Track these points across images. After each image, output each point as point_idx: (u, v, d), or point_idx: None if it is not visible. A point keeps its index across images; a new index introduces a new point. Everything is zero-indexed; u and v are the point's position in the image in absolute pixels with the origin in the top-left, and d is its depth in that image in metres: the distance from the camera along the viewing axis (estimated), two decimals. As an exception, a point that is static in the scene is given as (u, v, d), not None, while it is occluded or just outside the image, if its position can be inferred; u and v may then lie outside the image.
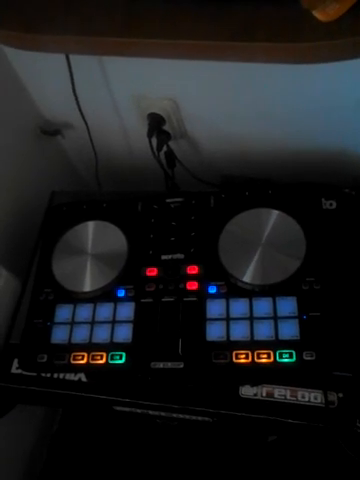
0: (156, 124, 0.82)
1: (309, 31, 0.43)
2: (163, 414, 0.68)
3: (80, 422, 1.08)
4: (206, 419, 0.67)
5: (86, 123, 0.85)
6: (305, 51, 0.44)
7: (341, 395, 0.61)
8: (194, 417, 0.67)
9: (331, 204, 0.72)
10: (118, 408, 0.70)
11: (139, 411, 0.68)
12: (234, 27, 0.44)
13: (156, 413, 0.68)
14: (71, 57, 0.71)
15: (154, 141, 0.83)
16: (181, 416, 0.68)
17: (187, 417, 0.68)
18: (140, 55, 0.51)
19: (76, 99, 0.79)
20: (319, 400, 0.62)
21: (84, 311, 0.68)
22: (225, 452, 0.98)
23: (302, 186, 0.74)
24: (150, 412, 0.68)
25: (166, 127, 0.84)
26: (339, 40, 0.42)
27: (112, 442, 1.04)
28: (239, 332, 0.63)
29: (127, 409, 0.69)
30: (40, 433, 1.05)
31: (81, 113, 0.82)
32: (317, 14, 0.42)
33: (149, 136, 0.82)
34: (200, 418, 0.67)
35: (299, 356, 0.60)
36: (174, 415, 0.68)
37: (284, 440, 0.93)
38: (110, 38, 0.47)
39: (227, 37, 0.43)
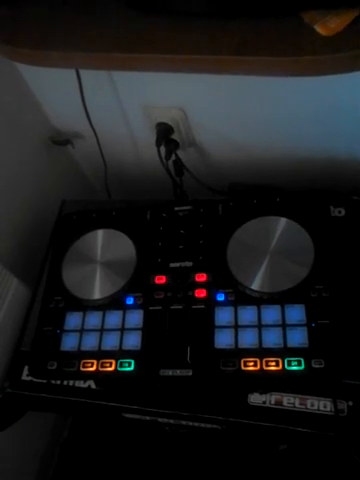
0: (164, 133, 0.83)
1: (310, 45, 0.44)
2: (172, 421, 0.68)
3: (90, 429, 1.09)
4: (215, 427, 0.67)
5: (95, 133, 0.86)
6: (307, 65, 0.45)
7: (351, 403, 0.61)
8: (203, 424, 0.67)
9: (340, 211, 0.72)
10: (127, 415, 0.70)
11: (148, 418, 0.69)
12: (237, 42, 0.45)
13: (165, 420, 0.68)
14: (81, 69, 0.73)
15: (162, 150, 0.84)
16: (190, 424, 0.68)
17: (196, 424, 0.68)
18: (147, 69, 0.52)
19: (85, 110, 0.80)
20: (329, 408, 0.61)
21: (93, 319, 0.69)
22: (234, 460, 0.97)
23: (310, 193, 0.74)
24: (159, 419, 0.68)
25: (174, 136, 0.85)
26: (340, 54, 0.43)
27: (121, 449, 1.04)
28: (247, 340, 0.63)
29: (136, 416, 0.69)
30: (51, 439, 1.06)
31: (90, 123, 0.83)
32: (318, 28, 0.43)
33: (158, 145, 0.83)
34: (209, 426, 0.67)
35: (308, 364, 0.60)
36: (183, 422, 0.68)
37: (295, 449, 0.93)
38: (117, 54, 0.48)
39: (230, 52, 0.44)
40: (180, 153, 0.87)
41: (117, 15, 0.50)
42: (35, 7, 0.53)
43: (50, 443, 1.06)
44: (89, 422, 1.09)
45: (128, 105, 0.84)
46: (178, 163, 0.87)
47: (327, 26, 0.42)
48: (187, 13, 0.45)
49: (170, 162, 0.86)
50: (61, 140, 0.94)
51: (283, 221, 0.70)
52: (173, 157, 0.86)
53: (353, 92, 0.70)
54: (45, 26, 0.52)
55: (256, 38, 0.44)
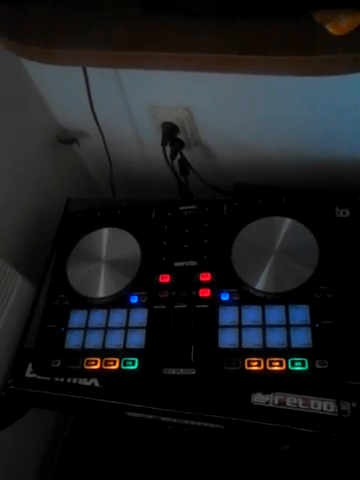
0: (170, 133, 0.83)
1: (322, 44, 0.44)
2: (175, 420, 0.68)
3: (91, 427, 1.09)
4: (218, 426, 0.67)
5: (101, 132, 0.86)
6: (318, 64, 0.45)
7: (354, 404, 0.61)
8: (206, 424, 0.67)
9: (344, 212, 0.72)
10: (130, 414, 0.70)
11: (151, 417, 0.69)
12: (247, 40, 0.45)
13: (168, 419, 0.68)
14: (87, 68, 0.73)
15: (168, 150, 0.84)
16: (193, 423, 0.68)
17: (199, 424, 0.68)
18: (155, 68, 0.52)
19: (92, 109, 0.81)
20: (332, 409, 0.61)
21: (98, 317, 0.69)
22: (237, 461, 0.97)
23: (315, 194, 0.74)
24: (162, 418, 0.68)
25: (180, 136, 0.85)
26: (352, 53, 0.43)
27: (123, 448, 1.04)
28: (251, 339, 0.63)
29: (139, 415, 0.69)
30: (52, 437, 1.06)
31: (97, 122, 0.83)
32: (330, 28, 0.43)
33: (163, 144, 0.83)
34: (212, 425, 0.67)
35: (311, 364, 0.60)
36: (186, 422, 0.68)
37: (297, 449, 0.93)
38: (126, 52, 0.48)
39: (241, 50, 0.44)
40: (185, 153, 0.87)
41: (126, 13, 0.50)
42: (44, 5, 0.53)
43: (51, 441, 1.06)
44: (90, 421, 1.09)
45: (134, 104, 0.85)
46: (183, 162, 0.87)
47: (339, 25, 0.42)
48: (197, 12, 0.45)
49: (175, 161, 0.86)
50: (67, 139, 0.94)
51: (288, 221, 0.70)
52: (178, 156, 0.86)
53: (357, 93, 0.70)
54: (54, 24, 0.52)
55: (266, 37, 0.44)
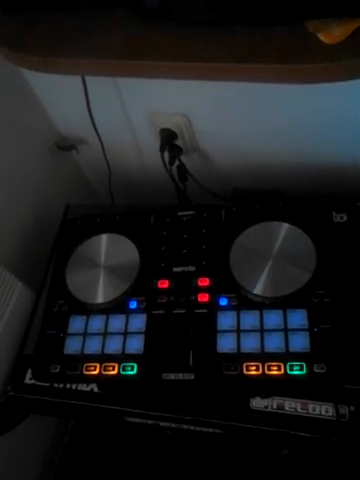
0: (168, 139, 0.84)
1: (316, 53, 0.45)
2: (174, 425, 0.68)
3: (91, 434, 1.09)
4: (217, 431, 0.67)
5: (100, 139, 0.87)
6: (312, 72, 0.46)
7: (353, 408, 0.61)
8: (205, 429, 0.67)
9: (342, 217, 0.72)
10: (129, 419, 0.70)
11: (150, 422, 0.69)
12: (244, 49, 0.46)
13: (167, 424, 0.68)
14: (87, 76, 0.74)
15: (166, 156, 0.85)
16: (192, 428, 0.68)
17: (198, 429, 0.68)
18: (154, 76, 0.53)
19: (90, 116, 0.81)
20: (330, 413, 0.61)
21: (97, 322, 0.70)
22: (236, 466, 0.97)
23: (313, 199, 0.75)
24: (161, 423, 0.68)
25: (178, 142, 0.86)
26: (344, 61, 0.44)
27: (122, 454, 1.04)
28: (250, 344, 0.63)
29: (138, 420, 0.70)
30: (52, 444, 1.06)
31: (95, 129, 0.84)
32: (322, 37, 0.44)
33: (161, 151, 0.83)
34: (211, 430, 0.67)
35: (310, 368, 0.60)
36: (185, 426, 0.68)
37: (296, 454, 0.93)
38: (125, 61, 0.49)
39: (239, 59, 0.45)
40: (183, 159, 0.88)
41: (125, 22, 0.51)
42: (44, 15, 0.54)
43: (51, 448, 1.06)
44: (90, 427, 1.09)
45: (132, 111, 0.85)
46: (182, 168, 0.88)
47: (331, 34, 0.43)
48: (194, 21, 0.46)
49: (174, 167, 0.87)
50: (66, 145, 0.95)
51: (285, 226, 0.71)
52: (176, 163, 0.87)
53: (355, 100, 0.71)
54: (54, 33, 0.53)
55: (262, 46, 0.46)
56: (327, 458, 0.86)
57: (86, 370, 0.66)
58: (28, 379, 0.71)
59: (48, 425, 1.06)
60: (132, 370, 0.65)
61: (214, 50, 0.47)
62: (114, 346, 0.67)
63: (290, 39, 0.46)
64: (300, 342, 0.62)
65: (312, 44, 0.45)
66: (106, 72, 0.56)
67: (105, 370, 0.66)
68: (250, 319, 0.65)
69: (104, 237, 0.77)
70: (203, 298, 0.68)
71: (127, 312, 0.69)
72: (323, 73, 0.45)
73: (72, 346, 0.69)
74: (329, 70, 0.45)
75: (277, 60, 0.45)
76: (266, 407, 0.63)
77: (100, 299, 0.71)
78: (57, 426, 1.08)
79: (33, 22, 0.53)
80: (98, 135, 0.86)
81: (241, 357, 0.63)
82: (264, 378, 0.61)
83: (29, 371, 0.71)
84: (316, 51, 0.45)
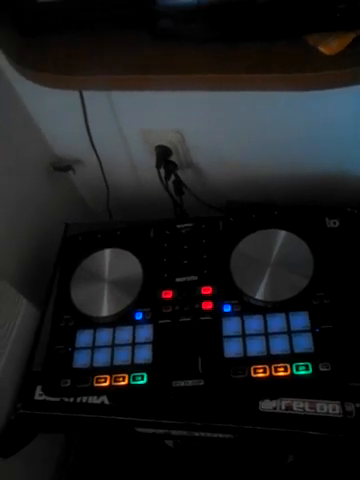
0: (163, 156, 0.87)
1: (318, 62, 0.50)
2: (185, 433, 0.69)
3: (95, 455, 1.08)
4: (227, 436, 0.68)
5: (98, 158, 0.89)
6: (316, 79, 0.51)
7: (358, 405, 0.63)
8: (216, 435, 0.68)
9: (334, 223, 0.76)
10: (140, 430, 0.71)
11: (161, 432, 0.70)
12: (251, 61, 0.51)
13: (178, 433, 0.69)
14: (83, 95, 0.76)
15: (162, 172, 0.88)
16: (203, 434, 0.69)
17: (209, 435, 0.69)
18: (168, 88, 0.57)
19: (89, 134, 0.84)
20: (337, 411, 0.63)
21: (104, 335, 0.71)
22: (241, 474, 0.98)
23: (306, 207, 0.78)
24: (173, 432, 0.69)
25: (173, 158, 0.88)
26: (346, 69, 0.49)
27: (126, 475, 1.04)
28: (255, 347, 0.65)
29: (150, 431, 0.70)
30: (57, 466, 1.05)
31: (94, 148, 0.86)
32: (322, 49, 0.49)
33: (158, 167, 0.86)
34: (221, 435, 0.68)
35: (315, 368, 0.62)
36: (196, 434, 0.69)
37: (302, 461, 0.93)
38: (140, 75, 0.53)
39: (247, 70, 0.49)
40: (179, 174, 0.91)
41: (136, 39, 0.54)
42: (57, 33, 0.57)
43: (57, 470, 1.05)
44: (94, 448, 1.08)
45: (127, 130, 0.88)
46: (178, 183, 0.90)
47: (329, 47, 0.48)
48: (201, 40, 0.50)
49: (170, 182, 0.89)
50: (62, 166, 0.97)
51: (282, 233, 0.74)
52: (172, 178, 0.89)
53: (343, 114, 0.75)
54: (65, 51, 0.57)
55: (267, 58, 0.50)
56: (333, 462, 0.87)
57: (96, 382, 0.67)
58: (38, 395, 0.71)
59: (52, 449, 1.05)
60: (142, 379, 0.66)
61: (225, 63, 0.51)
62: (123, 357, 0.68)
63: (292, 51, 0.50)
64: (304, 343, 0.64)
65: (314, 55, 0.50)
66: (120, 86, 0.60)
67: (115, 381, 0.67)
68: (254, 323, 0.67)
69: (107, 252, 0.79)
70: (207, 306, 0.70)
71: (134, 323, 0.71)
72: (326, 80, 0.50)
73: (81, 360, 0.69)
74: (332, 77, 0.50)
75: (281, 70, 0.49)
76: (275, 409, 0.65)
77: (106, 312, 0.72)
78: (62, 448, 1.07)
79: (45, 40, 0.57)
80: (96, 154, 0.88)
81: (248, 361, 0.64)
82: (272, 380, 0.63)
83: (38, 387, 0.71)
84: (318, 61, 0.49)
